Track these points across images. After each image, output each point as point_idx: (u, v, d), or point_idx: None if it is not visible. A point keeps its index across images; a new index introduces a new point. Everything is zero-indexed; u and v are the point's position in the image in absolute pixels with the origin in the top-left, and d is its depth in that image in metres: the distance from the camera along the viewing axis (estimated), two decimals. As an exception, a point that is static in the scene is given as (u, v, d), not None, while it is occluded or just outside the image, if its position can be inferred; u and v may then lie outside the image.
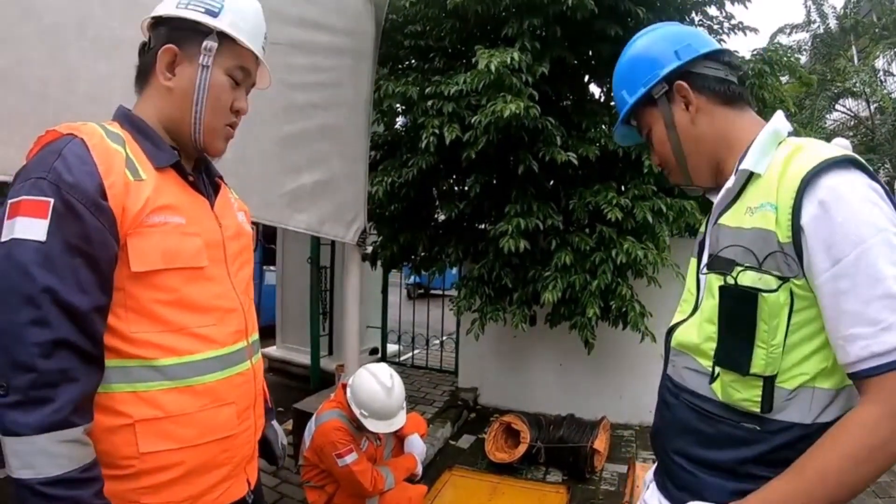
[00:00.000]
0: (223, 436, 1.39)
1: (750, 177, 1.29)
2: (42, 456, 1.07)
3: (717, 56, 1.42)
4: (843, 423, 1.10)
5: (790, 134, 1.32)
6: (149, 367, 1.25)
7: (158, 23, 1.41)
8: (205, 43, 1.37)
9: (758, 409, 1.20)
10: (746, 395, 1.21)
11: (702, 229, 1.52)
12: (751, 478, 1.21)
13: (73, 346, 1.12)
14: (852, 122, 16.91)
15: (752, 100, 1.43)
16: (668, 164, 1.50)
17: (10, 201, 1.14)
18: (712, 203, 1.44)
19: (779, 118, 1.34)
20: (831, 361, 1.16)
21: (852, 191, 1.11)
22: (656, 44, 1.46)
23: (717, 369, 1.26)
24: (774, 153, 1.26)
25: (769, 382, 1.18)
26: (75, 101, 2.07)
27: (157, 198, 1.29)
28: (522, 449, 4.65)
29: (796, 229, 1.13)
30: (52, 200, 1.13)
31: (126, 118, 1.38)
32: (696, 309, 1.41)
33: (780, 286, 1.15)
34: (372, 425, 3.07)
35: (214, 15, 1.38)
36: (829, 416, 1.17)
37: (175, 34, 1.38)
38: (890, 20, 15.26)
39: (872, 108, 15.81)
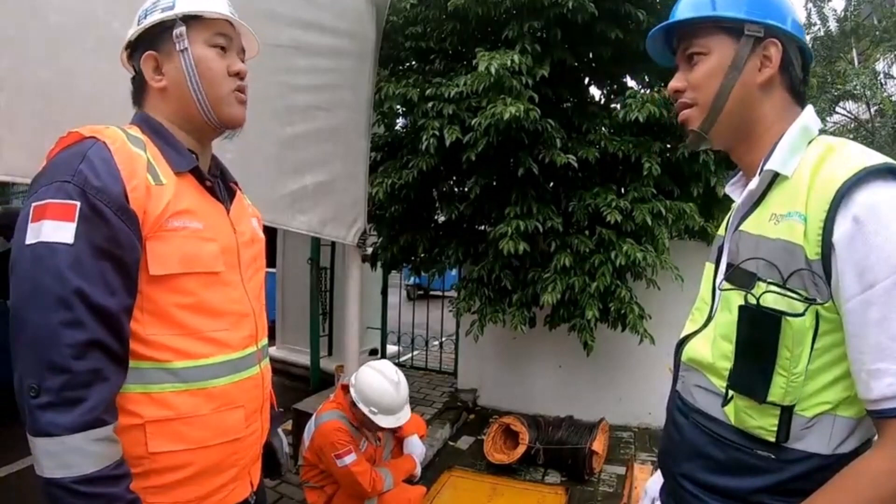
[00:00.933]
0: (232, 438, 1.40)
1: (775, 177, 1.20)
2: (77, 455, 1.09)
3: (807, 56, 1.32)
4: (855, 471, 1.03)
5: (821, 131, 1.23)
6: (162, 369, 1.27)
7: (133, 49, 1.46)
8: (174, 31, 1.40)
9: (773, 439, 1.12)
10: (762, 423, 1.13)
11: (720, 232, 1.43)
12: None
13: (105, 346, 1.14)
14: (852, 125, 16.87)
15: (806, 103, 1.31)
16: (701, 98, 1.30)
17: (34, 204, 1.15)
18: (731, 201, 1.38)
19: (809, 113, 1.25)
20: (855, 390, 1.06)
21: (894, 208, 1.01)
22: (782, 1, 1.28)
23: (731, 392, 1.17)
24: (804, 153, 1.17)
25: (787, 411, 1.09)
26: (78, 101, 2.08)
27: (176, 202, 1.31)
28: (521, 450, 4.66)
29: (826, 246, 1.03)
30: (78, 203, 1.14)
31: (145, 122, 1.41)
32: (709, 320, 1.33)
33: (806, 309, 1.05)
34: (382, 421, 3.09)
35: (171, 7, 1.41)
36: (849, 446, 1.10)
37: (149, 44, 1.42)
38: (891, 23, 15.21)
39: (872, 110, 15.77)
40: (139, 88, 1.47)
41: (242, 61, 1.53)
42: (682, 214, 4.54)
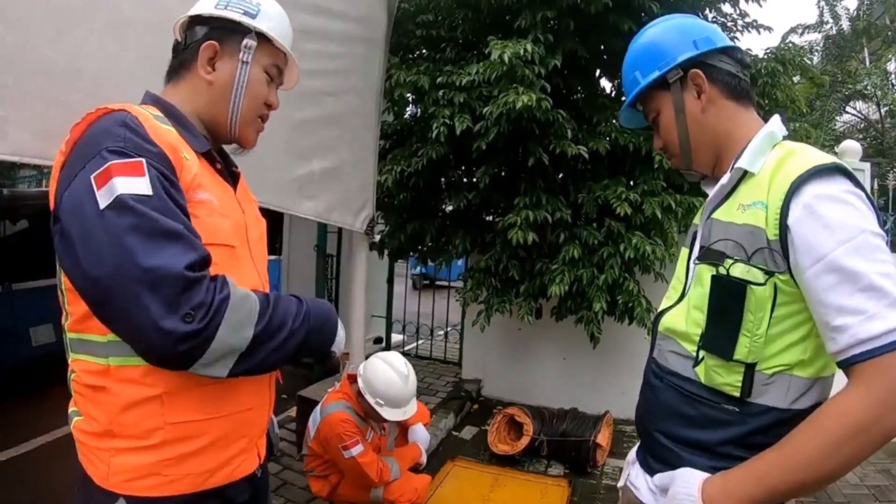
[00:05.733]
0: (245, 408, 1.42)
1: (744, 175, 1.38)
2: (243, 304, 1.19)
3: (731, 52, 1.49)
4: (827, 407, 1.17)
5: (785, 137, 1.41)
6: None
7: (195, 22, 1.48)
8: (245, 41, 1.45)
9: (737, 394, 1.29)
10: (728, 380, 1.31)
11: (696, 221, 1.62)
12: (729, 458, 1.29)
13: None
14: (862, 125, 16.83)
15: (755, 98, 1.54)
16: (672, 149, 1.56)
17: (92, 175, 1.12)
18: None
19: (775, 121, 1.42)
20: (809, 354, 1.26)
21: (836, 196, 1.20)
22: (675, 31, 1.51)
23: (702, 353, 1.36)
24: (769, 155, 1.35)
25: (750, 369, 1.28)
26: (84, 82, 2.07)
27: (200, 176, 1.33)
28: (525, 441, 4.66)
29: (783, 228, 1.22)
30: (143, 160, 1.15)
31: (159, 104, 1.42)
32: (682, 296, 1.50)
33: (767, 280, 1.24)
34: (388, 414, 3.09)
35: (253, 17, 1.47)
36: (805, 403, 1.27)
37: (215, 32, 1.45)
38: (903, 23, 15.19)
39: (883, 111, 15.72)
40: (183, 65, 1.48)
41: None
42: (692, 209, 4.52)
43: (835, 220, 1.17)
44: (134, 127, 1.20)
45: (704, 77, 1.45)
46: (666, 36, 1.52)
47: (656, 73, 1.48)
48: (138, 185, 1.11)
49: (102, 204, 1.09)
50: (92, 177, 1.11)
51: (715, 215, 1.41)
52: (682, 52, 1.46)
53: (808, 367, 1.27)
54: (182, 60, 1.48)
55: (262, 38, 1.47)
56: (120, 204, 1.09)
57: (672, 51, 1.47)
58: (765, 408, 1.28)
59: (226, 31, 1.44)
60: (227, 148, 1.62)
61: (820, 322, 1.20)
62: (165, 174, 1.18)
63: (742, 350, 1.27)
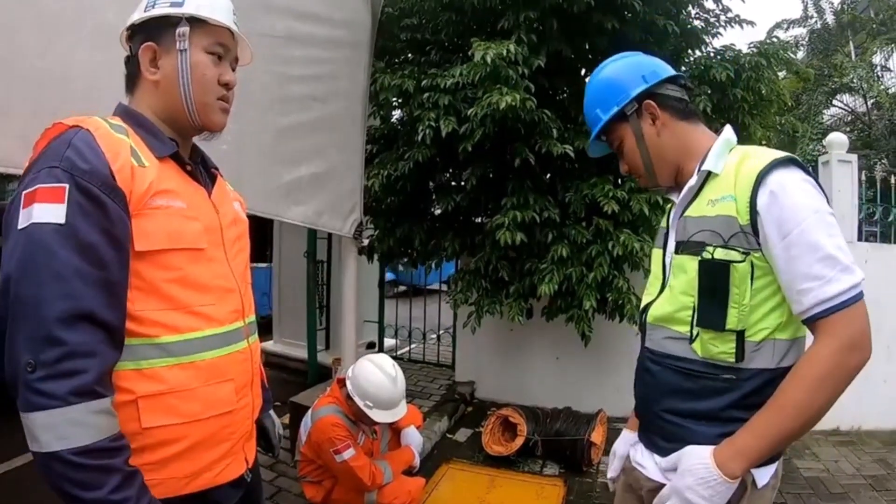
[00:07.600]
0: (223, 411, 1.44)
1: (707, 177, 1.60)
2: (75, 426, 1.11)
3: (676, 80, 1.72)
4: (800, 361, 1.42)
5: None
6: (151, 344, 1.30)
7: (134, 32, 1.50)
8: (177, 30, 1.45)
9: (733, 360, 1.48)
10: (723, 349, 1.49)
11: (663, 224, 1.84)
12: (733, 421, 1.48)
13: (99, 320, 1.17)
14: (849, 118, 16.89)
15: (700, 114, 1.77)
16: (638, 171, 1.76)
17: (24, 192, 1.19)
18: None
19: (728, 131, 1.66)
20: (785, 317, 1.48)
21: (793, 183, 1.43)
22: (625, 69, 1.74)
23: (697, 330, 1.53)
24: (727, 158, 1.59)
25: (740, 336, 1.47)
26: (72, 91, 2.07)
27: (159, 183, 1.35)
28: (519, 442, 4.66)
29: (753, 213, 1.44)
30: (67, 185, 1.18)
31: (126, 113, 1.46)
32: (663, 288, 1.70)
33: (745, 258, 1.45)
34: (377, 416, 3.08)
35: (179, 5, 1.47)
36: (789, 361, 1.47)
37: (150, 34, 1.46)
38: (888, 16, 15.24)
39: (869, 103, 15.78)
40: (133, 74, 1.51)
41: (234, 69, 1.60)
42: (679, 205, 4.51)
43: (797, 202, 1.40)
44: (76, 144, 1.24)
45: (656, 105, 1.67)
46: (618, 74, 1.74)
47: (615, 109, 1.70)
48: (53, 213, 1.17)
49: (21, 223, 1.17)
50: (23, 194, 1.19)
51: (687, 214, 1.63)
52: (634, 87, 1.68)
53: (786, 330, 1.49)
54: (131, 71, 1.51)
55: (196, 21, 1.47)
56: (28, 231, 1.16)
57: (625, 87, 1.69)
58: (757, 370, 1.48)
59: (159, 28, 1.45)
60: (199, 136, 1.62)
61: (787, 287, 1.43)
62: (95, 195, 1.21)
63: (732, 320, 1.46)
